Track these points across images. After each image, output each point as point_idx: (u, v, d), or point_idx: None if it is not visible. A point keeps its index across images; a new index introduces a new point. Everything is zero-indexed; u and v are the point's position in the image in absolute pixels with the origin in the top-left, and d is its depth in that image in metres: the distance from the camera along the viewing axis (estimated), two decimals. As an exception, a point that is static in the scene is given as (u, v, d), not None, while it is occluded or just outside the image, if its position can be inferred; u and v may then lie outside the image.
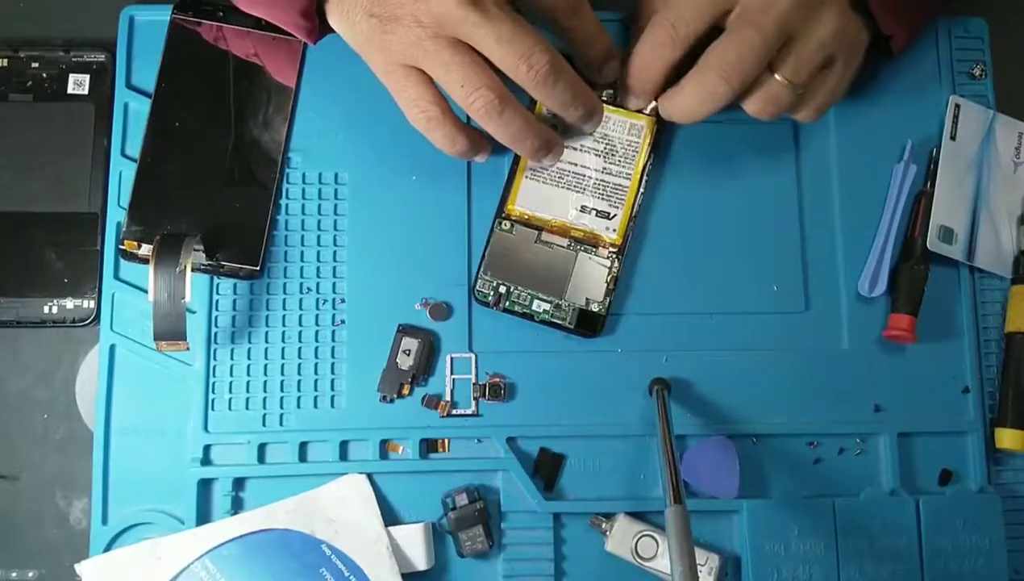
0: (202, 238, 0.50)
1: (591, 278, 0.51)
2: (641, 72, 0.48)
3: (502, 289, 0.51)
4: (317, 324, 0.51)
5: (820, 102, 0.49)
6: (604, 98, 0.52)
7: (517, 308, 0.51)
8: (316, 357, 0.51)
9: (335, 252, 0.52)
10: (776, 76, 0.47)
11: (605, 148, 0.52)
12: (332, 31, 0.48)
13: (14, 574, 0.50)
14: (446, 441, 0.51)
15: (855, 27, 0.48)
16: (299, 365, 0.51)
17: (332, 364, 0.51)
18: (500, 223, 0.51)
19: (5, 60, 0.53)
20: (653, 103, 0.51)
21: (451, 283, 0.52)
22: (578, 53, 0.49)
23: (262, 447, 0.50)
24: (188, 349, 0.49)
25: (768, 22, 0.45)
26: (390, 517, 0.50)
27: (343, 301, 0.52)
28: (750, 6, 0.46)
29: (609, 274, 0.51)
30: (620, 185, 0.52)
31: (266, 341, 0.51)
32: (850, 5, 0.47)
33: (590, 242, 0.51)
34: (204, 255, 0.51)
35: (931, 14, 0.53)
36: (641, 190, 0.52)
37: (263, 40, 0.52)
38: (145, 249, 0.51)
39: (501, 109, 0.44)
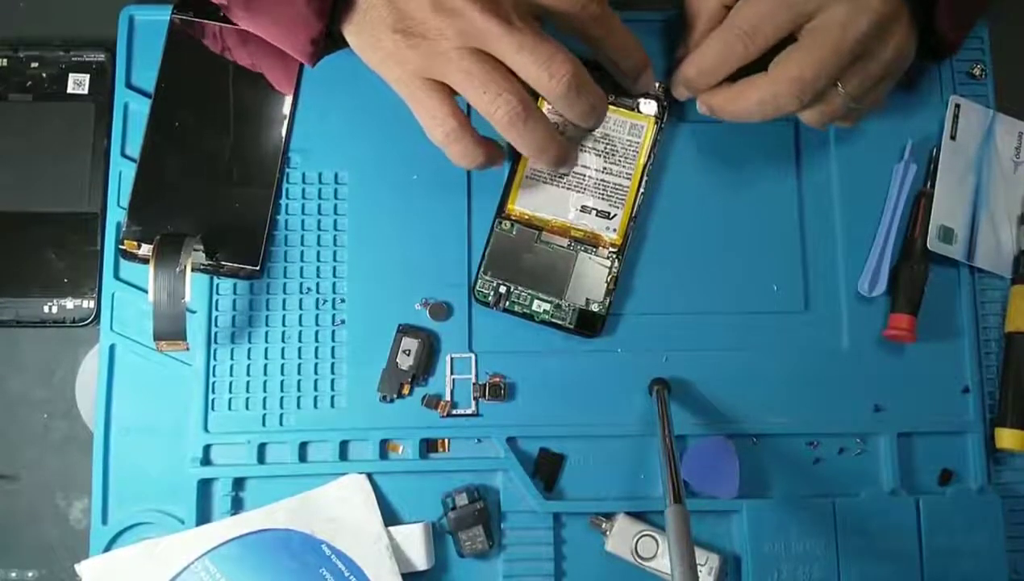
0: (202, 238, 0.50)
1: (591, 278, 0.51)
2: (706, 73, 0.48)
3: (502, 289, 0.51)
4: (317, 324, 0.51)
5: (864, 111, 0.50)
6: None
7: (517, 308, 0.51)
8: (316, 357, 0.51)
9: (335, 252, 0.52)
10: (840, 90, 0.47)
11: (605, 148, 0.52)
12: (329, 53, 0.48)
13: (14, 574, 0.50)
14: (446, 441, 0.51)
15: (912, 45, 0.49)
16: (299, 365, 0.51)
17: (332, 364, 0.51)
18: (500, 223, 0.52)
19: (5, 60, 0.53)
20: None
21: (451, 283, 0.52)
22: (612, 65, 0.49)
23: (262, 447, 0.50)
24: (188, 349, 0.49)
25: (847, 43, 0.45)
26: (390, 517, 0.50)
27: (343, 301, 0.52)
28: (829, 23, 0.45)
29: (609, 274, 0.51)
30: (620, 185, 0.52)
31: (266, 341, 0.51)
32: (910, 23, 0.48)
33: (590, 242, 0.51)
34: (204, 255, 0.51)
35: (979, 18, 0.54)
36: (641, 190, 0.52)
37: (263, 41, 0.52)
38: (145, 249, 0.51)
39: (525, 117, 0.44)
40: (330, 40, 0.47)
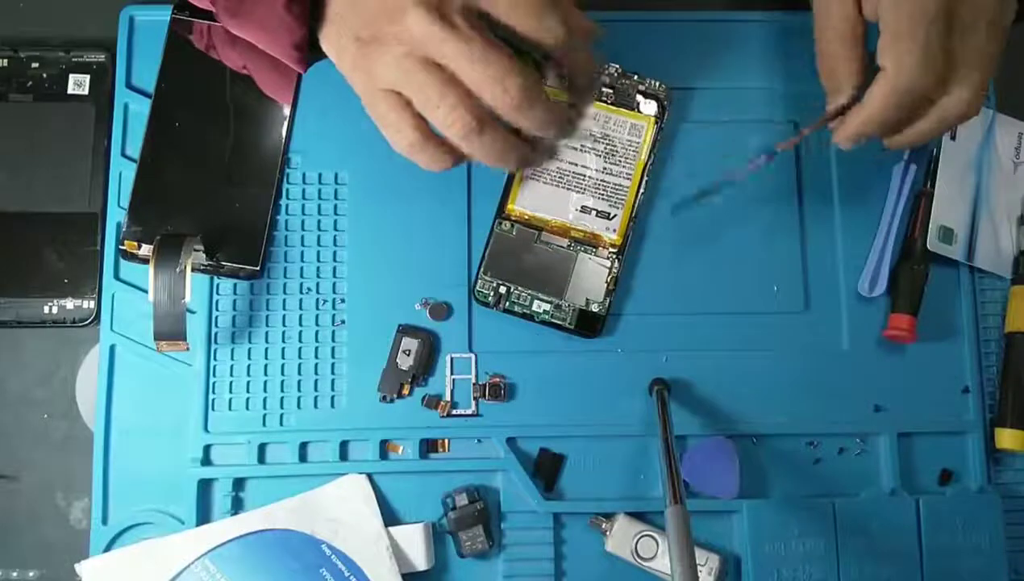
0: (202, 238, 0.50)
1: (591, 278, 0.51)
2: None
3: (502, 289, 0.51)
4: (317, 324, 0.51)
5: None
6: (603, 99, 0.52)
7: (517, 308, 0.51)
8: (316, 357, 0.51)
9: (335, 252, 0.52)
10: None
11: (605, 148, 0.52)
12: (322, 58, 0.48)
13: (14, 574, 0.50)
14: (446, 441, 0.51)
15: None
16: (299, 365, 0.51)
17: (332, 364, 0.51)
18: (500, 223, 0.52)
19: (5, 60, 0.53)
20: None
21: (451, 283, 0.52)
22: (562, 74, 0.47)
23: (262, 447, 0.50)
24: (188, 349, 0.49)
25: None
26: (390, 517, 0.50)
27: (343, 301, 0.52)
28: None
29: (609, 274, 0.51)
30: (620, 185, 0.52)
31: (266, 341, 0.51)
32: None
33: (590, 242, 0.51)
34: (204, 255, 0.51)
35: None
36: (641, 190, 0.52)
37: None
38: (145, 249, 0.51)
39: (480, 130, 0.42)
40: (315, 46, 0.47)
